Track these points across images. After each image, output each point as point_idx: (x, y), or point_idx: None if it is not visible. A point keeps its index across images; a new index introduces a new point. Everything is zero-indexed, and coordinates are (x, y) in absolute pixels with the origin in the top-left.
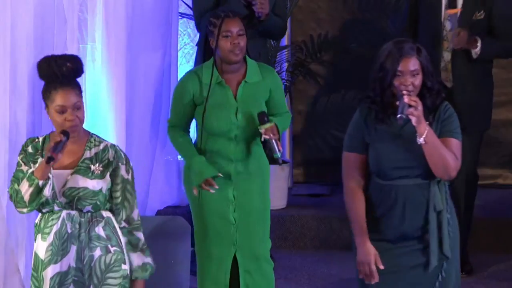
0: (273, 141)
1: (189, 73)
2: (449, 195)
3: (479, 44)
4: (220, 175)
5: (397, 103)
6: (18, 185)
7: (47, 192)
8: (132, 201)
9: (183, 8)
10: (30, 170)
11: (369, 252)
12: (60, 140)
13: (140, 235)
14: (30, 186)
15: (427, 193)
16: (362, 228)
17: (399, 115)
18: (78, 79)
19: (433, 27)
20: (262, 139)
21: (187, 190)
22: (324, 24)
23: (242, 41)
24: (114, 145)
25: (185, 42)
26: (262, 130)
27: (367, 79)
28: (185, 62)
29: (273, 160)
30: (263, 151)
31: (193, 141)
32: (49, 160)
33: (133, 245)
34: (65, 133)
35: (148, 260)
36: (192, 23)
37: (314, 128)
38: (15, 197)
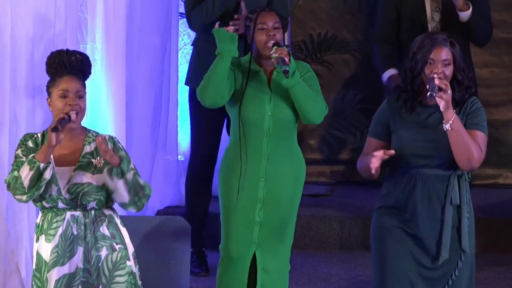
0: (278, 56)
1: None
2: (470, 194)
3: (470, 8)
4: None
5: (427, 86)
6: (18, 172)
7: (47, 175)
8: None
9: (183, 8)
10: (31, 155)
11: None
12: (63, 117)
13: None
14: (31, 169)
15: (445, 185)
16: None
17: (429, 93)
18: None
19: (419, 22)
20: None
21: (220, 187)
22: (324, 24)
23: (278, 34)
24: (112, 137)
25: (185, 42)
26: (273, 50)
27: (367, 79)
28: (185, 62)
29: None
30: (298, 151)
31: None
32: (55, 130)
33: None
34: (68, 115)
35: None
36: None
37: (314, 128)
38: (13, 184)
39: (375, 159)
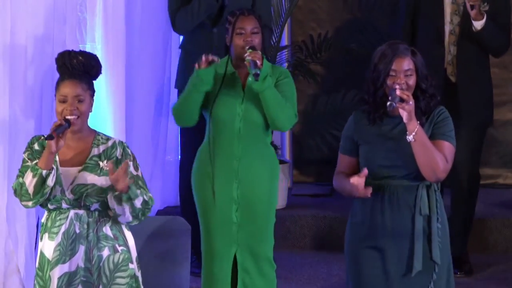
0: (251, 59)
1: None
2: (442, 204)
3: (484, 18)
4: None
5: (390, 98)
6: (23, 178)
7: (50, 182)
8: (146, 192)
9: None
10: (34, 162)
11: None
12: (60, 124)
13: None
14: (34, 176)
15: (413, 196)
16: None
17: (389, 102)
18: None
19: (435, 23)
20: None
21: (194, 188)
22: (324, 24)
23: (257, 38)
24: (122, 142)
25: None
26: (247, 53)
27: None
28: None
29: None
30: (272, 153)
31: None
32: (49, 138)
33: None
34: (66, 121)
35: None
36: None
37: (314, 128)
38: (19, 190)
39: (357, 186)
